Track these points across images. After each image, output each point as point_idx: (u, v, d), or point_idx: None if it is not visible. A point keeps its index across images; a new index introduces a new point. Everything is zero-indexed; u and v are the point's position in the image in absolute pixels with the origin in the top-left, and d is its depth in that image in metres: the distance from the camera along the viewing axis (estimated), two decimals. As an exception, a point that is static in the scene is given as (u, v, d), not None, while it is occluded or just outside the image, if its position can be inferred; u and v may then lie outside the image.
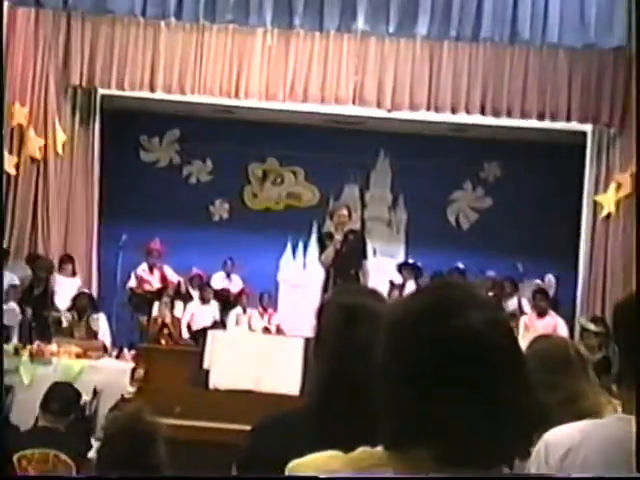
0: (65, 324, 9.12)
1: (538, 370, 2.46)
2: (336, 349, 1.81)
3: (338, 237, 8.21)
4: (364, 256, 8.42)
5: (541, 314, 10.10)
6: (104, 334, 9.26)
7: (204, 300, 11.22)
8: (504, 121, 11.09)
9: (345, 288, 2.16)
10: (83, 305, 9.29)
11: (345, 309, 1.84)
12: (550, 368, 2.60)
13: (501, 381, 1.09)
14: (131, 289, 11.14)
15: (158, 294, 10.87)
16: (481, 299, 1.16)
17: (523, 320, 10.15)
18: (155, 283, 11.17)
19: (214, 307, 11.26)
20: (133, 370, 6.44)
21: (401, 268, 11.53)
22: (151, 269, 11.26)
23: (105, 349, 8.79)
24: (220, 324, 10.92)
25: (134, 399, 5.77)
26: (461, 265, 11.44)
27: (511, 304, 10.75)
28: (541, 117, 10.86)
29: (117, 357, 8.65)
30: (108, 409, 6.47)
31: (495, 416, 1.08)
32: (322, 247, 8.47)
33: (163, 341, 9.92)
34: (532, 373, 1.16)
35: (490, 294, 10.07)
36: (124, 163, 12.36)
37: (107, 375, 7.56)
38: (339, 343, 1.81)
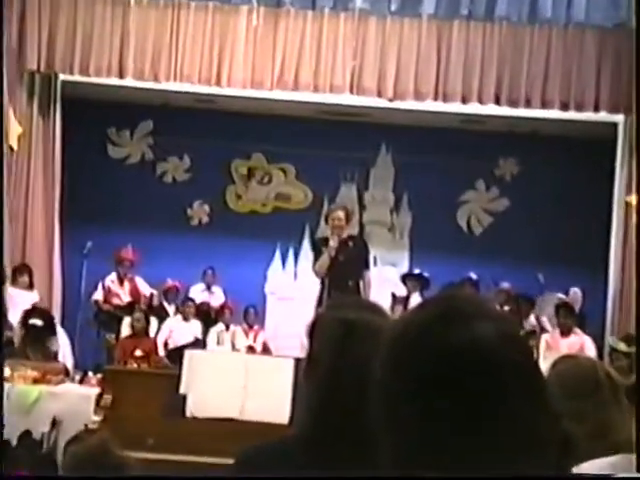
0: (19, 344, 8.95)
1: (561, 395, 2.47)
2: (331, 371, 1.81)
3: (334, 243, 8.30)
4: (365, 265, 8.56)
5: (565, 332, 10.10)
6: (65, 355, 9.17)
7: (184, 316, 11.27)
8: (522, 112, 11.07)
9: (342, 301, 2.15)
10: (40, 322, 9.06)
11: (342, 325, 1.84)
12: (575, 393, 2.58)
13: (513, 398, 1.11)
14: (97, 302, 11.22)
15: (129, 309, 10.89)
16: (492, 311, 1.19)
17: (544, 339, 10.16)
18: (125, 297, 11.24)
19: (195, 324, 11.31)
20: (99, 396, 6.43)
21: (405, 279, 11.61)
22: (121, 280, 11.36)
23: (66, 373, 8.56)
24: (201, 343, 10.96)
25: (99, 429, 5.76)
26: (473, 276, 11.48)
27: (529, 320, 10.80)
28: (565, 107, 10.83)
29: (80, 382, 8.47)
30: (67, 441, 6.38)
31: (507, 433, 1.10)
32: (316, 255, 8.56)
33: (134, 363, 9.67)
34: (554, 398, 1.20)
35: (505, 308, 10.15)
36: (89, 159, 12.39)
37: (68, 403, 7.39)
38: (335, 364, 1.81)
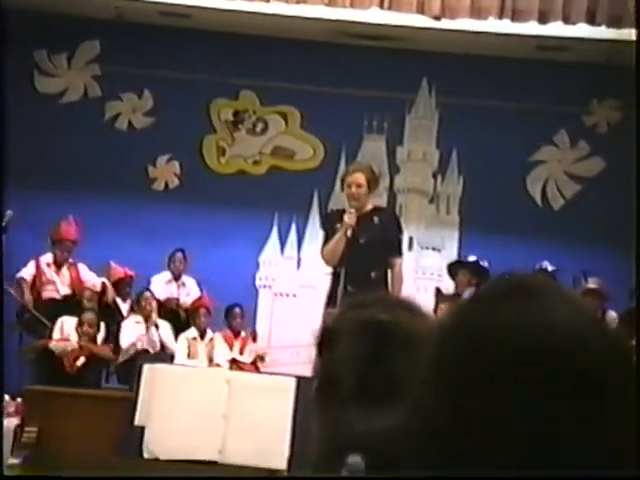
0: None
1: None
2: (357, 393, 1.82)
3: (350, 219, 8.25)
4: (396, 249, 8.55)
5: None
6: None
7: (143, 317, 11.22)
8: (626, 33, 10.74)
9: (363, 299, 2.08)
10: None
11: (372, 329, 1.86)
12: None
13: (607, 405, 1.17)
14: (22, 283, 11.30)
15: (66, 304, 11.15)
16: (576, 297, 1.26)
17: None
18: (62, 287, 11.50)
19: (163, 328, 11.34)
20: (19, 429, 6.56)
21: (454, 269, 11.56)
22: (59, 266, 11.62)
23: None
24: (166, 354, 11.11)
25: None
26: (549, 266, 11.37)
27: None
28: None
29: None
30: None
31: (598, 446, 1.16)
32: (327, 234, 8.57)
33: (71, 381, 9.88)
34: None
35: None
36: (10, 94, 11.88)
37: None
38: (361, 383, 1.83)
